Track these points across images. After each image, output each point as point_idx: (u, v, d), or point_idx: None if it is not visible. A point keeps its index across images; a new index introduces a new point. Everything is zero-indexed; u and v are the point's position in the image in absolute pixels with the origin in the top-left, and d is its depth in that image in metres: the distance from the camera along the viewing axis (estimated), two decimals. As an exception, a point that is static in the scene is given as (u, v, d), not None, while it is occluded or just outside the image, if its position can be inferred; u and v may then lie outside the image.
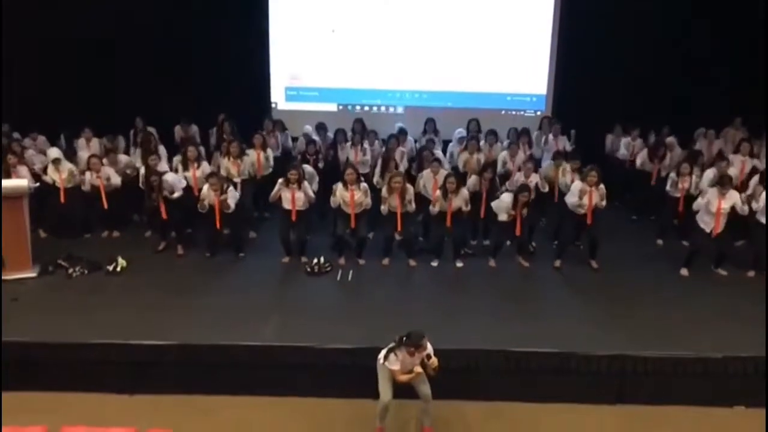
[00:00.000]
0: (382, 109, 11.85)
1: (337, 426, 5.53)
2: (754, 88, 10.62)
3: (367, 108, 11.82)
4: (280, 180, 7.85)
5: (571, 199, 7.81)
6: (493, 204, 8.00)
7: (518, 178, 8.44)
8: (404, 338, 5.22)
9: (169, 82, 10.89)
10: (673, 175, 8.56)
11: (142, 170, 8.50)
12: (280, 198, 7.89)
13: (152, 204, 8.12)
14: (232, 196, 7.96)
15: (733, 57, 10.73)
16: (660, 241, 8.89)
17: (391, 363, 5.28)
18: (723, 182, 7.60)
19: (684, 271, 7.90)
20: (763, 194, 7.72)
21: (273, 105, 11.83)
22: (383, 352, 5.37)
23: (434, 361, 5.24)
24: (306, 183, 7.99)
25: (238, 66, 11.17)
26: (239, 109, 11.01)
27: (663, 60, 11.05)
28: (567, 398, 6.10)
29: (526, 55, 11.48)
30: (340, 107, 11.86)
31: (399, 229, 7.86)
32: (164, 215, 8.15)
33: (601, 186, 7.75)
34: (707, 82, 10.83)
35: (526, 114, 11.81)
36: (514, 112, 11.81)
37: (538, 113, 11.73)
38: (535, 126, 10.63)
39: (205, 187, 7.89)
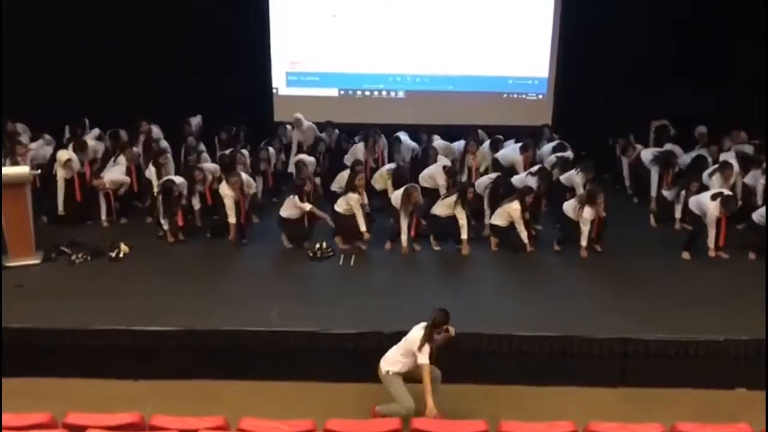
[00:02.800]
0: (383, 93, 11.81)
1: (341, 410, 5.53)
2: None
3: (368, 93, 11.79)
4: (295, 198, 7.83)
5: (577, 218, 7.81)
6: (497, 214, 8.06)
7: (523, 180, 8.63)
8: (433, 324, 5.18)
9: (169, 69, 10.84)
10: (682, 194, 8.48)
11: (153, 170, 8.58)
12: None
13: (172, 215, 8.12)
14: (253, 186, 8.51)
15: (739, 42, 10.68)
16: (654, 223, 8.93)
17: (425, 357, 5.14)
18: (728, 208, 7.57)
19: (685, 254, 7.90)
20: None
21: (274, 90, 11.79)
22: (387, 365, 5.35)
23: (452, 329, 5.35)
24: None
25: (238, 51, 11.12)
26: (240, 95, 11.00)
27: (666, 41, 10.96)
28: (569, 381, 6.12)
29: (527, 38, 11.41)
30: (341, 92, 11.83)
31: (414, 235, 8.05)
32: (181, 222, 8.20)
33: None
34: (711, 65, 10.77)
35: (527, 97, 11.77)
36: (515, 96, 11.77)
37: (540, 96, 11.68)
38: (535, 109, 10.58)
39: (227, 188, 7.88)
